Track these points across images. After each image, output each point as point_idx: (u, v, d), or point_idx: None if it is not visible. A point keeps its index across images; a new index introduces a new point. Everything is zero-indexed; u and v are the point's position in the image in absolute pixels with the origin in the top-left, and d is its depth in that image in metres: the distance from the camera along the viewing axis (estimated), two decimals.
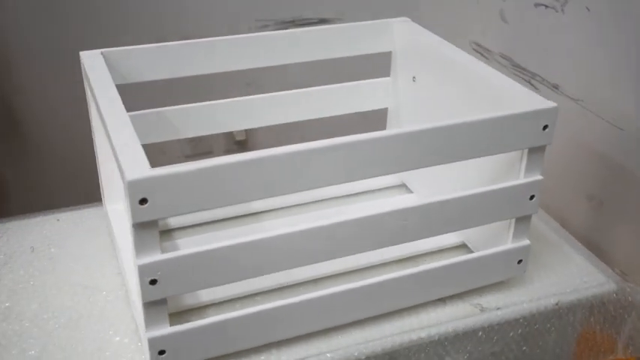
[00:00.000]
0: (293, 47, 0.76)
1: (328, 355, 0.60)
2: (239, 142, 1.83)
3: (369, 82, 0.83)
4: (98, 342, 0.61)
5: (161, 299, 0.53)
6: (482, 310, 0.66)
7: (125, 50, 0.68)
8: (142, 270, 0.50)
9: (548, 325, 0.67)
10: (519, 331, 0.66)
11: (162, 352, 0.54)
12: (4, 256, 0.71)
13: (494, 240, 0.68)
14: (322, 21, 1.71)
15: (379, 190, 0.84)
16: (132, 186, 0.47)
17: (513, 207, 0.63)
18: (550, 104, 0.59)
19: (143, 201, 0.48)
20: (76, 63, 0.69)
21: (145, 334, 0.54)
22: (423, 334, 0.63)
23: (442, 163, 0.59)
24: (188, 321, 0.56)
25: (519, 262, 0.66)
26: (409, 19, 0.80)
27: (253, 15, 1.64)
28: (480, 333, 0.65)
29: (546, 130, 0.60)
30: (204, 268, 0.52)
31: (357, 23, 0.79)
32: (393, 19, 0.80)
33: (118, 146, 0.50)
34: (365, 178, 0.56)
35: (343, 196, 0.82)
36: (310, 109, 0.82)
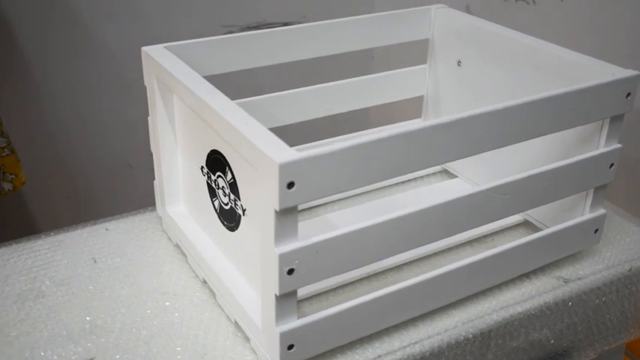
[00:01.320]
0: (335, 37, 0.75)
1: (438, 337, 0.59)
2: None
3: (405, 70, 0.84)
4: (200, 347, 0.58)
5: (293, 291, 0.51)
6: (566, 281, 0.67)
7: (187, 44, 0.66)
8: (282, 259, 0.48)
9: (627, 292, 0.69)
10: (603, 298, 0.68)
11: (291, 347, 0.52)
12: (68, 269, 0.67)
13: (561, 212, 0.69)
14: (285, 24, 1.71)
15: (422, 177, 0.84)
16: (282, 169, 0.45)
17: (594, 177, 0.64)
18: (632, 72, 0.61)
19: (290, 185, 0.46)
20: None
21: (275, 329, 0.51)
22: (520, 309, 0.63)
23: (528, 139, 0.60)
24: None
25: (596, 231, 0.68)
26: (446, 6, 0.81)
27: (218, 21, 1.62)
28: (570, 303, 0.66)
29: (629, 97, 0.62)
30: (338, 254, 0.51)
31: (393, 12, 0.79)
32: (430, 6, 0.81)
33: (250, 133, 0.48)
34: (465, 157, 0.56)
35: (390, 185, 0.82)
36: (346, 100, 0.81)
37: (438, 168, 0.85)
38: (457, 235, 0.70)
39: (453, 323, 0.61)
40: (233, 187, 0.57)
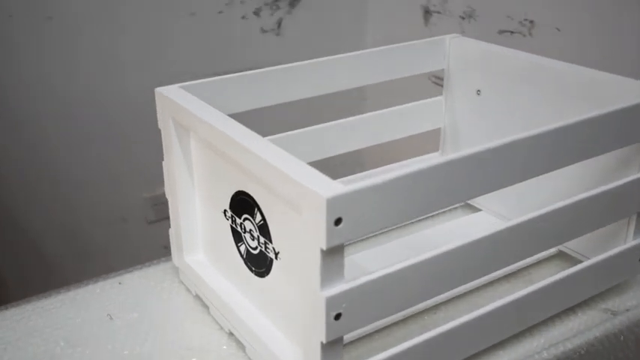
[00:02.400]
0: (350, 71, 0.72)
1: None
2: None
3: (421, 103, 0.81)
4: None
5: (339, 338, 0.46)
6: (614, 313, 0.63)
7: (203, 83, 0.63)
8: (330, 303, 0.44)
9: None
10: None
11: None
12: (82, 328, 0.62)
13: (599, 240, 0.66)
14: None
15: (444, 212, 0.81)
16: (330, 205, 0.41)
17: (637, 201, 0.62)
18: None
19: (338, 221, 0.42)
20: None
21: None
22: (570, 345, 0.60)
23: (566, 165, 0.57)
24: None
25: None
26: (459, 35, 0.79)
27: (211, 68, 1.60)
28: (622, 337, 0.62)
29: None
30: (384, 295, 0.47)
31: (408, 43, 0.77)
32: (444, 36, 0.79)
33: (289, 168, 0.45)
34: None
35: (412, 223, 0.78)
36: (363, 136, 0.78)
37: (461, 202, 0.82)
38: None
39: None
40: (263, 229, 0.54)
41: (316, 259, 0.44)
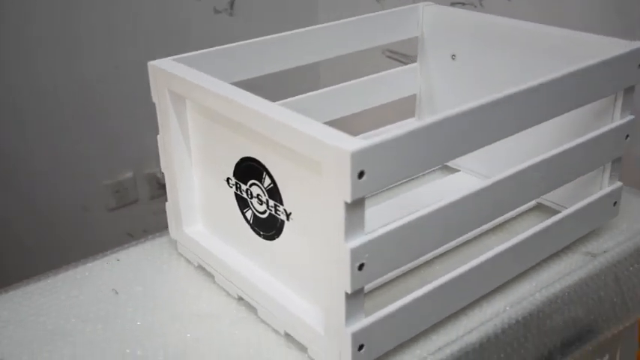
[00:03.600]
0: (323, 43, 0.74)
1: (491, 322, 0.59)
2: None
3: (397, 70, 0.84)
4: None
5: (361, 288, 0.49)
6: (594, 255, 0.68)
7: (195, 55, 0.64)
8: (354, 254, 0.46)
9: None
10: (630, 268, 0.69)
11: (361, 347, 0.50)
12: (90, 304, 0.62)
13: (575, 189, 0.70)
14: None
15: (423, 175, 0.84)
16: (354, 158, 0.43)
17: (612, 150, 0.66)
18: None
19: (361, 174, 0.44)
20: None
21: (345, 331, 0.49)
22: (559, 286, 0.64)
23: (546, 120, 0.60)
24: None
25: (614, 204, 0.69)
26: (432, 3, 0.82)
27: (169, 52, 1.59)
28: (603, 277, 0.67)
29: None
30: (400, 245, 0.49)
31: (380, 13, 0.79)
32: (417, 4, 0.81)
33: (308, 128, 0.47)
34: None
35: (396, 186, 0.81)
36: (341, 105, 0.80)
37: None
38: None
39: (501, 307, 0.60)
40: (272, 192, 0.55)
41: (340, 212, 0.46)
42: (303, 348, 0.56)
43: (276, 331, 0.58)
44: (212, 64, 0.65)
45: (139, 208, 1.74)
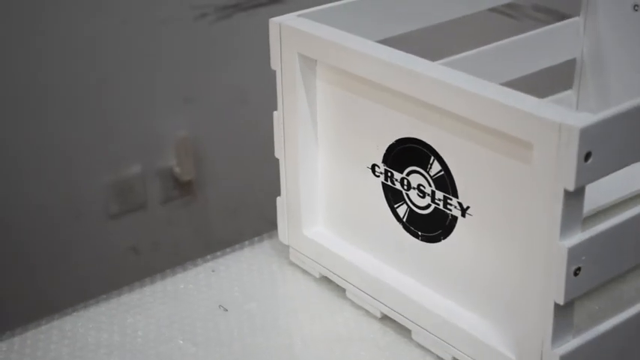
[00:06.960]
0: None
1: None
2: (185, 182, 1.82)
3: (551, 28, 0.91)
4: None
5: (573, 299, 0.56)
6: None
7: (321, 10, 0.71)
8: (571, 255, 0.53)
9: None
10: None
11: None
12: (198, 321, 0.70)
13: None
14: (273, 1, 1.78)
15: None
16: (583, 136, 0.51)
17: None
18: None
19: (587, 156, 0.52)
20: None
21: (551, 354, 0.56)
22: None
23: None
24: None
25: None
26: None
27: (187, 1, 1.67)
28: None
29: None
30: (628, 242, 0.57)
31: None
32: None
33: (512, 99, 0.54)
34: None
35: None
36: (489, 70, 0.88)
37: None
38: None
39: None
40: (442, 182, 0.63)
41: (557, 203, 0.53)
42: None
43: (440, 358, 0.66)
44: (343, 21, 0.72)
45: (147, 215, 1.79)
